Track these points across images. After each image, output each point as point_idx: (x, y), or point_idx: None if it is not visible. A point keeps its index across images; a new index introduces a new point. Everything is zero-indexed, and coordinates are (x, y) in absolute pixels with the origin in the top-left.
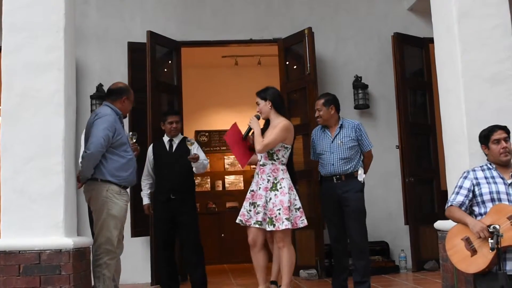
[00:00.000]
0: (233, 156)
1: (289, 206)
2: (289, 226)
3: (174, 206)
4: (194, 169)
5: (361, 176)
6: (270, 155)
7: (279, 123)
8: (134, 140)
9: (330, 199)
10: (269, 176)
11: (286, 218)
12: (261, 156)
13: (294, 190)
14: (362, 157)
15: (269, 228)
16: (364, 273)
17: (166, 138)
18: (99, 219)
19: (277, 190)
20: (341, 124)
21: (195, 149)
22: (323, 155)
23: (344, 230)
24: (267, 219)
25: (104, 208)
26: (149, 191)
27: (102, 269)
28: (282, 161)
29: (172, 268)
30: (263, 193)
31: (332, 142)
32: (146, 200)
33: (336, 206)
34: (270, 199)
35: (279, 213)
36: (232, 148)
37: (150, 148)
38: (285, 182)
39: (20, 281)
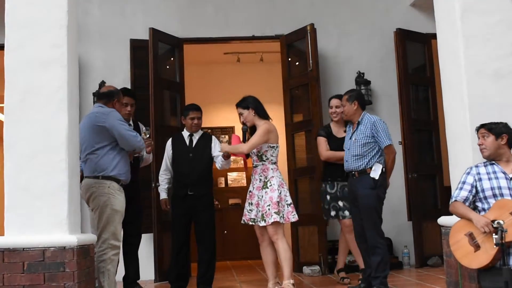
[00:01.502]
0: None
1: (278, 202)
2: (278, 219)
3: (191, 202)
4: (219, 165)
5: (374, 172)
6: (259, 157)
7: (259, 126)
8: (148, 135)
9: (350, 194)
10: (261, 176)
11: (275, 212)
12: (254, 160)
13: (284, 187)
14: (380, 153)
15: (262, 223)
16: (377, 269)
17: (186, 133)
18: (102, 215)
19: (267, 188)
20: (359, 121)
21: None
22: (345, 151)
23: (363, 225)
24: (260, 215)
25: (108, 204)
26: (166, 186)
27: (107, 264)
28: (271, 160)
29: (184, 266)
30: (256, 192)
31: (350, 138)
32: (163, 195)
33: (354, 201)
34: (262, 196)
35: (269, 209)
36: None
37: (169, 142)
38: (275, 180)
39: (24, 278)
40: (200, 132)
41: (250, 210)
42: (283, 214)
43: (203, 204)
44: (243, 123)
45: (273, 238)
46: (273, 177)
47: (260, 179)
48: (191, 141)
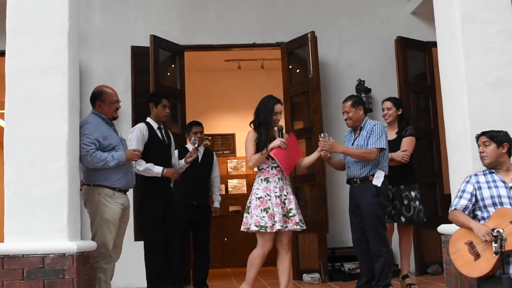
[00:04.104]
0: (236, 160)
1: None
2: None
3: (194, 211)
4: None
5: (377, 180)
6: None
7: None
8: (196, 145)
9: (351, 201)
10: (289, 181)
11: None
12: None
13: None
14: (383, 160)
15: (304, 227)
16: (380, 277)
17: (190, 147)
18: (93, 223)
19: (294, 194)
20: (361, 126)
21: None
22: (346, 157)
23: (362, 233)
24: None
25: (97, 212)
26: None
27: (98, 273)
28: None
29: (184, 267)
30: (291, 197)
31: (352, 144)
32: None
33: (355, 209)
34: (295, 202)
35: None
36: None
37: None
38: None
39: (24, 285)
40: (202, 147)
41: (293, 215)
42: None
43: (203, 213)
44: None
45: (288, 245)
46: None
47: (289, 185)
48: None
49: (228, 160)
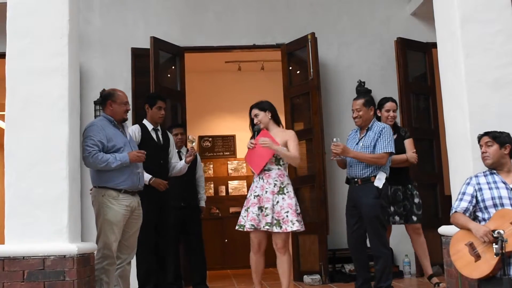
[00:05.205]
0: (237, 162)
1: (296, 210)
2: (301, 228)
3: (183, 212)
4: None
5: (378, 181)
6: (277, 160)
7: (290, 133)
8: (193, 144)
9: (349, 201)
10: (276, 180)
11: (296, 220)
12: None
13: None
14: (387, 163)
15: (276, 229)
16: (380, 278)
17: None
18: (97, 224)
19: (285, 194)
20: (369, 127)
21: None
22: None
23: (360, 235)
24: (275, 222)
25: (101, 213)
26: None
27: (100, 274)
28: (286, 166)
29: (179, 271)
30: (270, 196)
31: (357, 144)
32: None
33: (353, 209)
34: (278, 202)
35: (287, 216)
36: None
37: None
38: (290, 187)
39: (24, 287)
40: (185, 149)
41: (266, 214)
42: (301, 222)
43: (193, 215)
44: (256, 124)
45: (283, 248)
46: (288, 183)
47: (275, 184)
48: (179, 157)
49: (228, 162)
